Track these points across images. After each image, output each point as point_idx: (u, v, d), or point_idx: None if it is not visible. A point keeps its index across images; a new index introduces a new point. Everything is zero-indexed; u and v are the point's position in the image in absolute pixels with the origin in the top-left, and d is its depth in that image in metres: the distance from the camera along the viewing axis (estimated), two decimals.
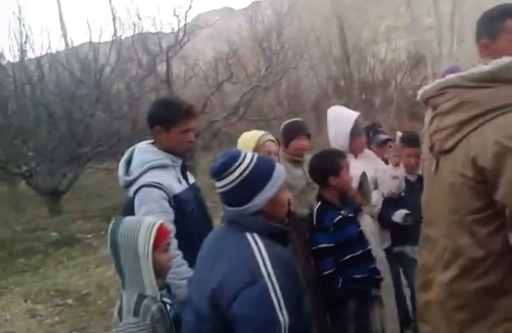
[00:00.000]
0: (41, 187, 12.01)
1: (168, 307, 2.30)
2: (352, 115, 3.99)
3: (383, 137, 4.54)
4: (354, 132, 3.90)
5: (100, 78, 13.14)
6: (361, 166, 3.77)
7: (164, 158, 2.97)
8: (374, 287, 3.45)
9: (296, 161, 3.87)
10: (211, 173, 2.14)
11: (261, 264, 1.89)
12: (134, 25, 15.27)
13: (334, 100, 16.69)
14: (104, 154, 13.63)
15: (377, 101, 18.37)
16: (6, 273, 7.73)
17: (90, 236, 9.51)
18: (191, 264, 2.66)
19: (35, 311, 5.62)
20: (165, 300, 2.32)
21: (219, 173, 2.09)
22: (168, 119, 2.94)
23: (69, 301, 6.07)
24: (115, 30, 15.25)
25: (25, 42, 13.69)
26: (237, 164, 2.08)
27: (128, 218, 2.42)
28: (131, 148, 3.09)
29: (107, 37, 15.94)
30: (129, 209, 2.91)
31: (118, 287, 6.21)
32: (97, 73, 13.35)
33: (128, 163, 3.01)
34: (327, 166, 3.40)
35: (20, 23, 13.77)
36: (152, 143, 3.05)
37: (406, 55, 18.85)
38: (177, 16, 15.76)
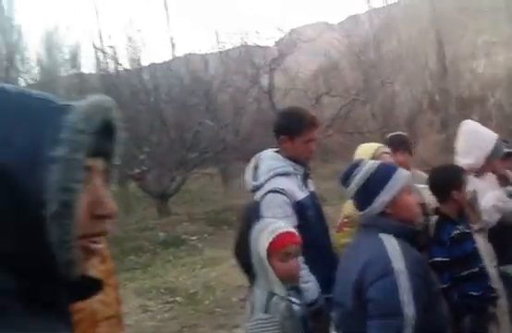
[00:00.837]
0: (151, 189, 12.55)
1: (297, 307, 2.36)
2: (493, 134, 3.87)
3: (507, 150, 4.35)
4: (494, 153, 3.79)
5: (210, 88, 13.58)
6: (486, 188, 3.66)
7: (287, 166, 3.05)
8: (490, 304, 3.34)
9: None
10: (339, 181, 2.29)
11: (392, 260, 2.06)
12: (241, 39, 15.80)
13: (429, 115, 16.26)
14: (208, 161, 14.09)
15: (475, 117, 17.65)
16: (118, 269, 8.07)
17: (194, 238, 9.80)
18: (310, 267, 2.73)
19: (147, 307, 5.87)
20: (293, 299, 2.39)
21: (344, 180, 2.29)
22: (293, 129, 3.04)
23: (178, 298, 6.29)
24: (219, 43, 15.82)
25: (139, 50, 14.43)
26: (357, 170, 2.25)
27: (265, 220, 2.54)
28: (257, 155, 3.20)
29: (214, 48, 16.39)
30: (254, 211, 3.01)
31: (224, 288, 6.40)
32: (207, 84, 13.85)
33: (255, 169, 3.12)
34: (451, 181, 3.34)
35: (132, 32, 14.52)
36: (277, 151, 3.14)
37: (505, 71, 17.99)
38: (281, 30, 16.13)
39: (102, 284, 0.90)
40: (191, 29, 26.74)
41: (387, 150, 3.57)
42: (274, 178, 3.00)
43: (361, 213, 2.27)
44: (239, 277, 5.90)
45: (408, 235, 2.19)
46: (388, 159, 3.46)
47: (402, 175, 2.24)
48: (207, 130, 13.14)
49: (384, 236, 2.14)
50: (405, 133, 4.46)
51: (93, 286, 0.89)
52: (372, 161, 2.34)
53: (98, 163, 0.84)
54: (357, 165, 2.28)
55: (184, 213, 11.98)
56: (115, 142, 0.89)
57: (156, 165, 12.57)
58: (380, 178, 2.21)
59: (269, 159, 3.11)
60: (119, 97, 12.87)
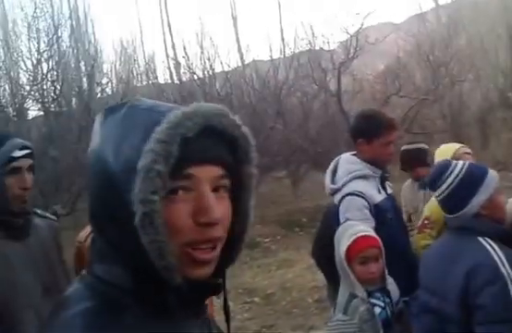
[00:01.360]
0: None
1: (379, 310, 2.35)
2: None
3: None
4: None
5: (280, 93, 13.66)
6: None
7: (365, 169, 3.03)
8: None
9: None
10: (427, 184, 2.23)
11: (499, 264, 1.96)
12: (310, 43, 15.79)
13: (501, 112, 15.62)
14: (278, 164, 14.16)
15: None
16: None
17: (267, 240, 9.86)
18: (389, 269, 2.70)
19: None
20: (376, 302, 2.37)
21: (434, 183, 2.19)
22: (371, 132, 3.01)
23: (256, 299, 6.36)
24: (283, 48, 15.88)
25: (212, 59, 14.71)
26: (448, 172, 2.15)
27: (346, 223, 2.55)
28: (336, 158, 3.20)
29: (281, 54, 16.46)
30: (333, 214, 3.02)
31: (300, 289, 6.40)
32: (276, 89, 13.94)
33: (334, 172, 3.12)
34: None
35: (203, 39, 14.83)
36: (355, 154, 3.13)
37: None
38: (349, 33, 15.99)
39: (218, 287, 0.91)
40: (259, 35, 26.91)
41: (468, 150, 3.50)
42: (352, 181, 2.99)
43: (453, 215, 2.16)
44: (314, 279, 5.95)
45: (503, 236, 2.11)
46: (470, 160, 3.38)
47: (494, 174, 2.17)
48: (277, 134, 13.21)
49: (483, 239, 2.05)
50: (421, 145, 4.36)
51: (208, 289, 0.89)
52: (461, 162, 2.24)
53: (205, 170, 0.84)
54: (446, 166, 2.18)
55: (257, 215, 11.98)
56: (238, 148, 0.89)
57: None
58: (475, 178, 2.12)
59: (347, 163, 3.11)
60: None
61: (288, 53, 16.15)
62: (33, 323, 1.74)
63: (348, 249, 2.38)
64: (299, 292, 6.33)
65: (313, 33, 15.81)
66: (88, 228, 2.35)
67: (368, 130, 3.03)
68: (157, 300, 0.83)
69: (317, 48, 15.90)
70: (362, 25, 15.18)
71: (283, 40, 16.49)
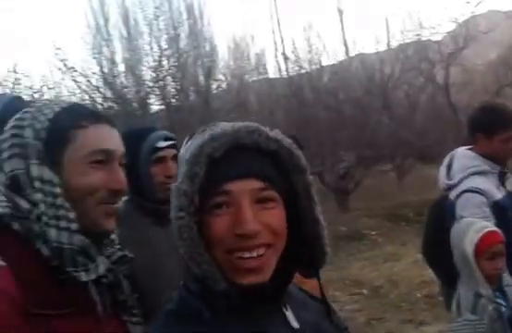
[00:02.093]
0: (332, 184, 12.72)
1: (503, 309, 2.26)
2: None
3: None
4: None
5: (386, 86, 13.37)
6: None
7: (483, 164, 2.89)
8: None
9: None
10: None
11: None
12: (417, 34, 15.27)
13: None
14: (384, 157, 13.89)
15: None
16: None
17: (374, 233, 9.73)
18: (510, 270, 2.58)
19: (335, 297, 5.93)
20: (499, 301, 2.29)
21: None
22: (492, 127, 2.86)
23: (364, 291, 6.31)
24: (389, 40, 15.43)
25: (319, 53, 14.66)
26: None
27: (464, 220, 2.46)
28: (451, 153, 3.08)
29: (387, 46, 16.03)
30: (442, 210, 2.92)
31: (408, 283, 6.26)
32: (382, 82, 13.66)
33: (449, 167, 3.01)
34: None
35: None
36: (471, 149, 3.00)
37: None
38: (458, 23, 15.25)
39: (278, 292, 0.94)
40: (364, 28, 26.35)
41: None
42: (469, 177, 2.87)
43: None
44: (422, 274, 5.80)
45: None
46: None
47: None
48: (384, 128, 12.96)
49: None
50: None
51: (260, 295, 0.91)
52: None
53: (241, 184, 0.87)
54: None
55: (363, 208, 11.94)
56: (282, 160, 0.91)
57: (336, 161, 12.71)
58: None
59: (463, 157, 2.97)
60: (303, 99, 13.24)
61: (394, 45, 15.73)
62: None
63: (477, 245, 2.30)
64: (407, 286, 6.20)
65: (421, 24, 15.31)
66: None
67: (489, 125, 2.87)
68: (213, 304, 0.89)
69: (424, 39, 15.36)
70: (473, 13, 14.48)
71: (389, 32, 16.06)
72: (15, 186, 1.06)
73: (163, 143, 2.02)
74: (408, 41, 15.33)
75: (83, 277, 1.05)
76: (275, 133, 0.92)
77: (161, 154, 2.02)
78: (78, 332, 1.04)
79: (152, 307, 1.78)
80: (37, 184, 1.04)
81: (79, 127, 1.09)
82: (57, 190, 1.05)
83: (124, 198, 2.07)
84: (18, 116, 1.12)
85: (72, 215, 1.05)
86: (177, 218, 0.87)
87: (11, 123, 1.11)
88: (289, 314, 0.95)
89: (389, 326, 5.19)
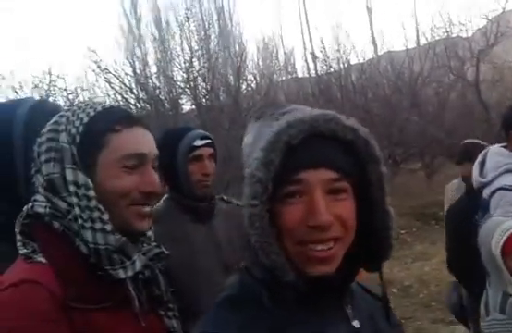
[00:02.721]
0: None
1: None
2: None
3: None
4: None
5: (415, 84, 13.21)
6: None
7: None
8: None
9: None
10: None
11: None
12: (446, 31, 15.04)
13: None
14: (412, 156, 13.71)
15: None
16: None
17: (403, 232, 9.61)
18: None
19: None
20: None
21: None
22: None
23: (394, 290, 6.25)
24: (418, 37, 15.22)
25: (347, 52, 14.59)
26: None
27: (493, 218, 2.41)
28: (484, 151, 3.04)
29: (416, 43, 15.84)
30: (482, 209, 2.87)
31: (438, 282, 6.16)
32: (411, 80, 13.50)
33: (482, 165, 2.97)
34: None
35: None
36: (505, 147, 2.95)
37: None
38: (489, 19, 14.95)
39: (344, 284, 0.93)
40: (393, 25, 26.08)
41: None
42: (503, 175, 2.82)
43: None
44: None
45: None
46: None
47: None
48: (413, 126, 12.80)
49: None
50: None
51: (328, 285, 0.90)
52: None
53: (315, 174, 0.85)
54: None
55: (392, 206, 11.81)
56: (358, 150, 0.89)
57: None
58: None
59: (496, 155, 2.93)
60: (331, 97, 13.18)
61: (424, 42, 15.53)
62: (213, 301, 1.85)
63: (504, 244, 2.25)
64: (437, 286, 6.12)
65: (450, 21, 15.08)
66: None
67: None
68: (279, 294, 0.88)
69: (454, 36, 15.11)
70: (504, 10, 14.18)
71: (417, 30, 15.86)
72: (51, 188, 1.09)
73: (199, 142, 2.06)
74: (437, 38, 15.13)
75: (121, 274, 1.07)
76: (352, 122, 0.89)
77: (198, 152, 2.06)
78: (116, 325, 1.07)
79: (189, 303, 1.80)
80: (72, 188, 1.07)
81: (113, 131, 1.10)
82: (91, 193, 1.06)
83: (163, 196, 2.12)
84: (54, 119, 1.14)
85: (106, 216, 1.07)
86: (250, 206, 0.85)
87: (48, 127, 1.13)
88: (350, 313, 0.95)
89: (419, 326, 5.15)
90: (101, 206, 1.07)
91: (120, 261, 1.08)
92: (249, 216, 0.85)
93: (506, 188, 2.76)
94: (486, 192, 2.86)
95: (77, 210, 1.06)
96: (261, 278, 0.90)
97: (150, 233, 1.21)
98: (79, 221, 1.06)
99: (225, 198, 2.26)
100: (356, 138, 0.88)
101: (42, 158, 1.10)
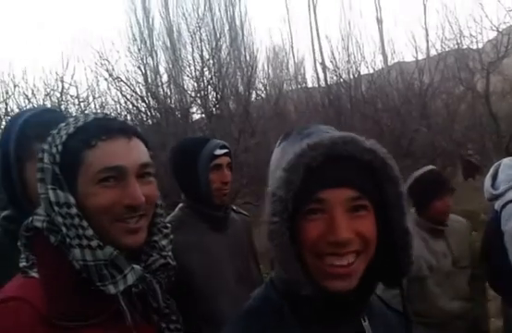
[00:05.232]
0: None
1: None
2: None
3: None
4: None
5: (425, 95, 13.20)
6: None
7: None
8: None
9: (436, 230, 2.95)
10: None
11: None
12: (457, 42, 15.05)
13: None
14: (421, 167, 13.62)
15: None
16: None
17: None
18: None
19: None
20: None
21: None
22: None
23: None
24: (428, 49, 15.23)
25: (357, 63, 14.61)
26: None
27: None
28: (496, 163, 3.04)
29: (426, 54, 15.87)
30: (494, 221, 2.87)
31: None
32: (421, 91, 13.50)
33: (494, 177, 2.97)
34: None
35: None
36: None
37: None
38: (499, 31, 14.94)
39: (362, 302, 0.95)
40: (403, 36, 26.14)
41: None
42: None
43: None
44: None
45: None
46: None
47: None
48: (422, 137, 12.77)
49: None
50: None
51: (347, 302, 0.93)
52: None
53: (335, 193, 0.89)
54: None
55: None
56: (376, 170, 0.93)
57: None
58: None
59: (509, 168, 2.93)
60: (341, 108, 13.17)
61: (434, 54, 15.54)
62: (228, 308, 1.86)
63: None
64: None
65: (461, 32, 15.08)
66: None
67: None
68: (297, 307, 0.92)
69: (464, 48, 15.11)
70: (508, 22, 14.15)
71: (428, 41, 15.89)
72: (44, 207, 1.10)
73: (220, 151, 2.09)
74: (447, 49, 15.14)
75: (111, 289, 1.05)
76: (371, 144, 0.93)
77: (218, 161, 2.09)
78: None
79: (205, 311, 1.82)
80: (55, 208, 1.06)
81: (89, 146, 1.07)
82: (72, 210, 1.05)
83: (180, 204, 2.13)
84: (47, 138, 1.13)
85: (89, 232, 1.05)
86: (270, 223, 0.89)
87: (43, 145, 1.13)
88: (367, 326, 0.96)
89: None
90: (84, 223, 1.05)
91: (111, 276, 1.06)
92: (270, 233, 0.89)
93: None
94: (498, 204, 2.86)
95: (63, 229, 1.05)
96: (282, 291, 0.94)
97: (164, 242, 1.19)
98: (67, 240, 1.05)
99: (234, 208, 2.28)
100: (374, 158, 0.92)
101: (37, 177, 1.10)
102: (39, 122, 1.37)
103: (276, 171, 0.92)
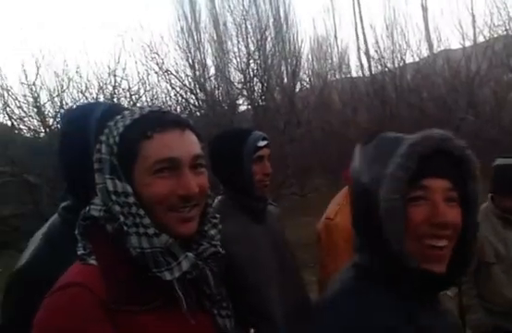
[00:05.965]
0: None
1: None
2: None
3: None
4: None
5: (472, 83, 12.92)
6: None
7: None
8: None
9: (508, 220, 2.87)
10: None
11: None
12: (506, 29, 14.61)
13: None
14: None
15: None
16: None
17: None
18: None
19: None
20: None
21: None
22: None
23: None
24: (475, 35, 14.81)
25: (402, 51, 14.40)
26: None
27: None
28: None
29: (470, 41, 15.45)
30: None
31: None
32: (468, 79, 13.22)
33: None
34: None
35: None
36: None
37: None
38: None
39: (448, 284, 1.06)
40: (449, 23, 25.35)
41: None
42: None
43: None
44: None
45: None
46: None
47: None
48: (468, 126, 12.54)
49: None
50: None
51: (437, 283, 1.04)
52: None
53: (437, 182, 1.02)
54: None
55: None
56: (464, 167, 1.04)
57: None
58: None
59: None
60: (385, 97, 13.06)
61: (481, 40, 15.13)
62: (276, 296, 1.95)
63: None
64: None
65: (510, 18, 14.61)
66: (335, 206, 2.54)
67: None
68: (396, 284, 1.03)
69: None
70: None
71: (475, 27, 15.48)
72: (102, 197, 1.15)
73: (262, 143, 2.09)
74: (495, 36, 14.72)
75: (167, 276, 1.08)
76: (461, 142, 1.05)
77: (260, 152, 2.09)
78: (164, 325, 1.08)
79: (253, 300, 1.92)
80: (113, 197, 1.09)
81: (145, 138, 1.10)
82: (130, 199, 1.08)
83: (219, 197, 2.12)
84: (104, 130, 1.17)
85: (146, 220, 1.08)
86: (390, 200, 0.99)
87: (100, 137, 1.17)
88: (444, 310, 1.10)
89: None
90: (141, 211, 1.08)
91: (166, 263, 1.08)
92: (388, 209, 0.99)
93: None
94: None
95: (121, 217, 1.08)
96: (378, 271, 1.05)
97: (213, 232, 1.23)
98: (125, 228, 1.08)
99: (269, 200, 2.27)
100: (464, 156, 1.04)
101: (95, 168, 1.15)
102: (119, 111, 1.33)
103: (373, 166, 1.04)
